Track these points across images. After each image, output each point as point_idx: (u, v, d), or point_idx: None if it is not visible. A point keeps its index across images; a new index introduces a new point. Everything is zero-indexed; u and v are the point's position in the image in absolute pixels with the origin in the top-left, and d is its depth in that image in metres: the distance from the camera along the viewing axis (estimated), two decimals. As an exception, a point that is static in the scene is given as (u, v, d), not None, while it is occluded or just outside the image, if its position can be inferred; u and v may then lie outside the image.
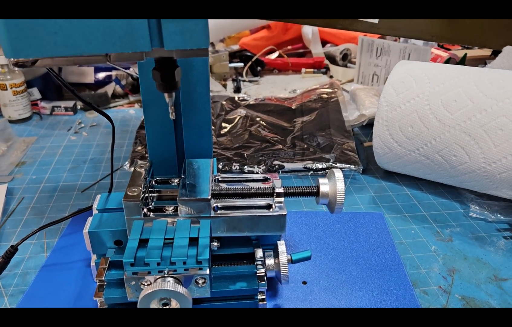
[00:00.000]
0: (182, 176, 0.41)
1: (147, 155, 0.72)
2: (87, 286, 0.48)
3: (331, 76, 1.13)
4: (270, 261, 0.43)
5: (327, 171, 0.69)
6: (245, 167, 0.70)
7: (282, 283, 0.43)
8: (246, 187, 0.41)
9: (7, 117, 0.87)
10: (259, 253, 0.44)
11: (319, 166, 0.69)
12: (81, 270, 0.51)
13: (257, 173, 0.69)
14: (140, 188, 0.39)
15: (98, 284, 0.42)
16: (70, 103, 0.91)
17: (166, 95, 0.35)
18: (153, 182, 0.42)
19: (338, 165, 0.70)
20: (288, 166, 0.70)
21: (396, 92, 0.63)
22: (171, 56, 0.32)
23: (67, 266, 0.51)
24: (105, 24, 0.29)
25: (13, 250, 0.50)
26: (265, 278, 0.43)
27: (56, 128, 0.87)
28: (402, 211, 0.62)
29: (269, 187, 0.41)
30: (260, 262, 0.43)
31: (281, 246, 0.43)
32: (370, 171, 0.73)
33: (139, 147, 0.75)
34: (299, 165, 0.70)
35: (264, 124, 0.82)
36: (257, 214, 0.40)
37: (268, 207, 0.40)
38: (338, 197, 0.40)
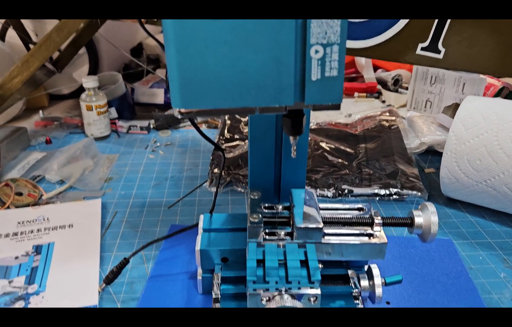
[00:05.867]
0: (293, 204, 0.46)
1: (228, 178, 0.78)
2: (192, 296, 0.54)
3: (383, 101, 1.18)
4: (364, 283, 0.48)
5: (395, 196, 0.74)
6: (317, 189, 0.75)
7: (375, 303, 0.48)
8: (347, 215, 0.47)
9: (90, 135, 0.95)
10: (353, 274, 0.49)
11: (387, 192, 0.74)
12: (184, 281, 0.57)
13: (327, 196, 0.75)
14: (260, 215, 0.45)
15: (213, 297, 0.48)
16: (145, 123, 0.99)
17: (291, 138, 0.41)
18: (263, 208, 0.48)
19: (404, 191, 0.74)
20: (356, 190, 0.75)
21: (465, 127, 0.67)
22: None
23: (171, 278, 0.57)
24: (260, 83, 0.35)
25: (126, 261, 0.56)
26: (360, 297, 0.48)
27: (133, 146, 0.94)
28: (468, 238, 0.67)
29: (369, 217, 0.46)
30: (354, 283, 0.49)
31: (375, 269, 0.48)
32: (433, 197, 0.77)
33: (216, 170, 0.80)
34: (367, 190, 0.75)
35: (328, 149, 0.87)
36: (361, 242, 0.45)
37: (369, 235, 0.46)
38: (432, 228, 0.45)
